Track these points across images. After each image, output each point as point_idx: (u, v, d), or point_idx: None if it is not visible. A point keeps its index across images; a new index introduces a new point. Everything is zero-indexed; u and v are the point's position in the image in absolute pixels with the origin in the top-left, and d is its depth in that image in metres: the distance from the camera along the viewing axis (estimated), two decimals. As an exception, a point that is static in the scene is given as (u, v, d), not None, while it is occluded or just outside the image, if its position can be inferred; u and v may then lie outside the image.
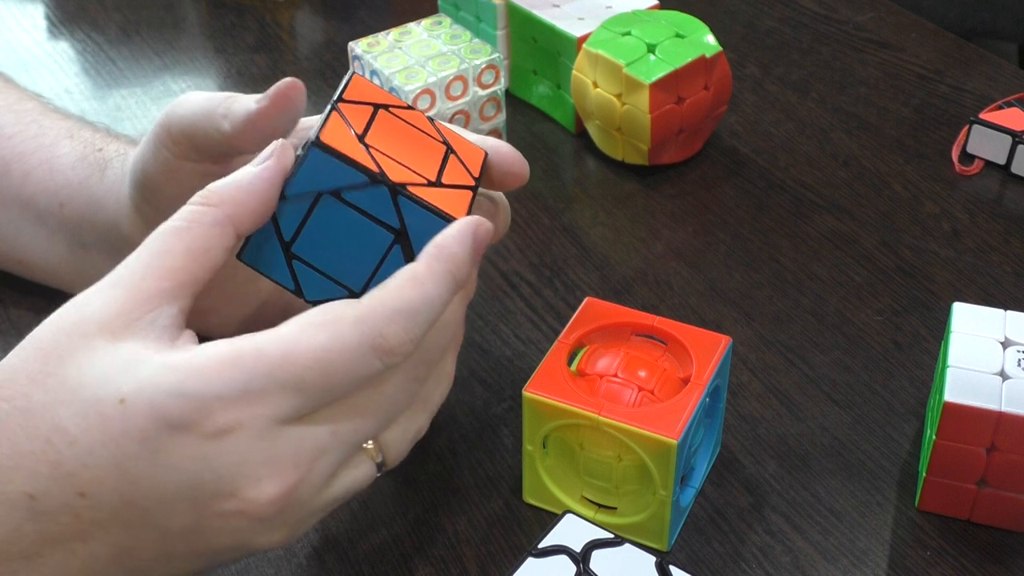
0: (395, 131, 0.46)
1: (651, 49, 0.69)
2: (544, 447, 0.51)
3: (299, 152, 0.43)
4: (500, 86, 0.72)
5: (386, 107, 0.46)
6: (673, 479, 0.47)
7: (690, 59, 0.68)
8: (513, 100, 0.79)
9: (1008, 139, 0.71)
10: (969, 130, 0.73)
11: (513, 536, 0.51)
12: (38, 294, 0.62)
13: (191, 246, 0.40)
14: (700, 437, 0.52)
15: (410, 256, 0.43)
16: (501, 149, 0.48)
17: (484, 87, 0.71)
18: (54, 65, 0.84)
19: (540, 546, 0.43)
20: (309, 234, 0.43)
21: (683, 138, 0.71)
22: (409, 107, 0.47)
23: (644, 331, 0.52)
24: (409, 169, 0.44)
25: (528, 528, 0.51)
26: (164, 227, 0.41)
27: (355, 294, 0.44)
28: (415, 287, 0.40)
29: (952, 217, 0.69)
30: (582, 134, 0.76)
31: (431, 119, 0.48)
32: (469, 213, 0.44)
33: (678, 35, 0.70)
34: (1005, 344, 0.51)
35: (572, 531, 0.43)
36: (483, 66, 0.70)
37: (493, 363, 0.59)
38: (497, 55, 0.71)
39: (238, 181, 0.41)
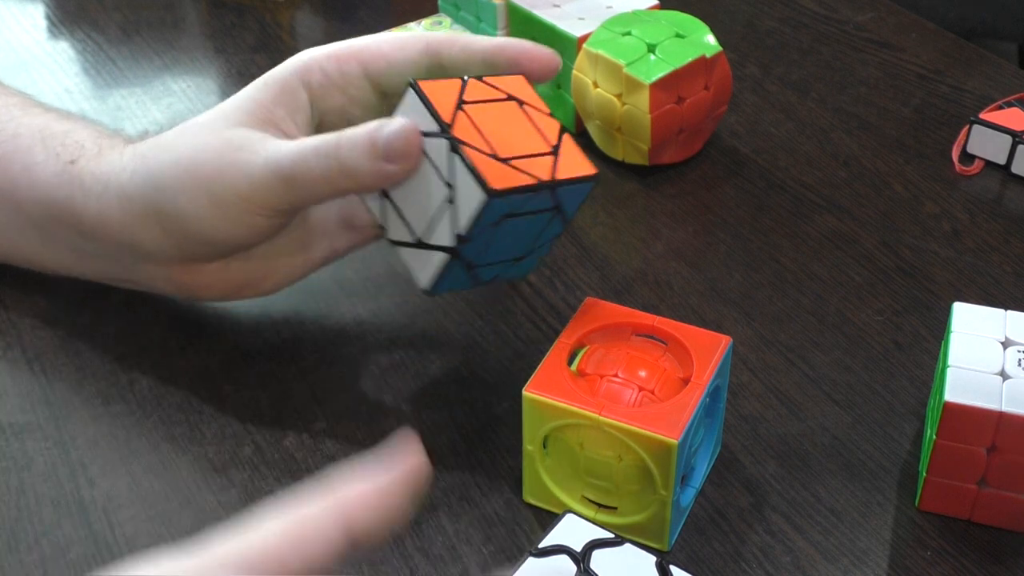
0: (491, 119, 0.51)
1: (651, 49, 0.69)
2: (544, 447, 0.51)
3: (449, 197, 0.48)
4: (500, 86, 0.72)
5: (462, 105, 0.50)
6: (673, 479, 0.47)
7: (690, 59, 0.68)
8: (513, 100, 0.79)
9: (1008, 139, 0.71)
10: (969, 130, 0.73)
11: (513, 536, 0.51)
12: (38, 293, 0.62)
13: (303, 559, 0.34)
14: (700, 437, 0.52)
15: (564, 218, 0.51)
16: (513, 49, 0.53)
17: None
18: (54, 65, 0.84)
19: (540, 546, 0.43)
20: (489, 248, 0.50)
21: (683, 138, 0.71)
22: (462, 80, 0.51)
23: (644, 331, 0.52)
24: (532, 155, 0.50)
25: (528, 528, 0.51)
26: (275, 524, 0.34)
27: (520, 259, 0.52)
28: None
29: (952, 217, 0.69)
30: (582, 134, 0.76)
31: (478, 78, 0.52)
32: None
33: (678, 35, 0.70)
34: (1005, 344, 0.51)
35: (572, 531, 0.43)
36: (483, 66, 0.70)
37: (493, 363, 0.59)
38: (497, 55, 0.71)
39: (365, 493, 0.35)
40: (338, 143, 0.49)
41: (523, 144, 0.50)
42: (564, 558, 0.42)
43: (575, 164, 0.51)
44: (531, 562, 0.42)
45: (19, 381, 0.58)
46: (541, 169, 0.49)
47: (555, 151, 0.51)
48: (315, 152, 0.49)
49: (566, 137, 0.51)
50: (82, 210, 0.55)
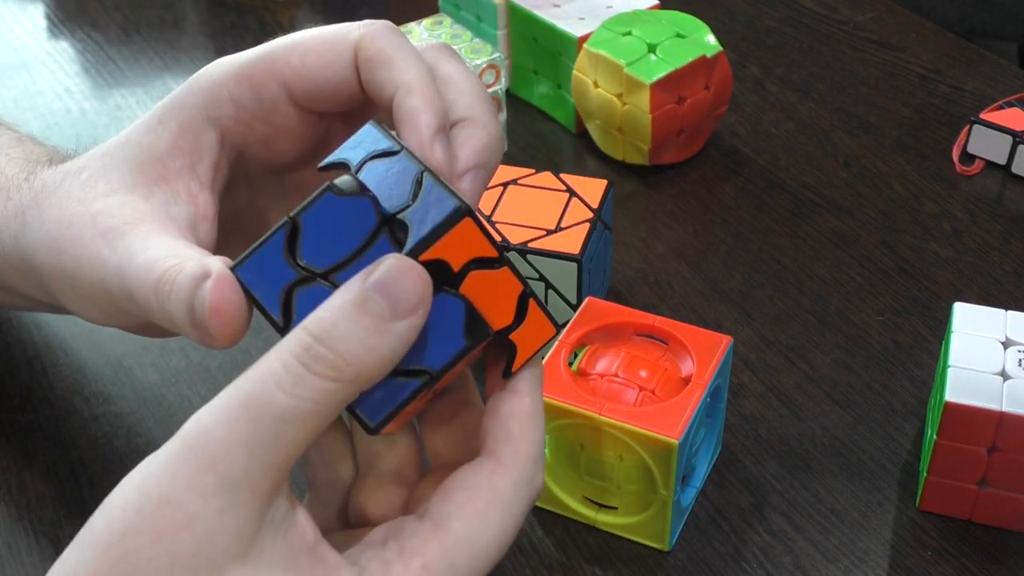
0: (520, 205, 0.57)
1: (652, 49, 0.69)
2: (544, 447, 0.51)
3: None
4: (501, 86, 0.72)
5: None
6: (674, 479, 0.47)
7: (691, 59, 0.68)
8: (514, 100, 0.79)
9: (1008, 139, 0.71)
10: (969, 130, 0.73)
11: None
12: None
13: (316, 433, 0.33)
14: (701, 437, 0.51)
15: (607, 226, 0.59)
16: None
17: (485, 87, 0.71)
18: (54, 65, 0.84)
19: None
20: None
21: (684, 138, 0.71)
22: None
23: (645, 331, 0.52)
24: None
25: (528, 528, 0.51)
26: (283, 408, 0.32)
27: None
28: (538, 426, 0.38)
29: (953, 217, 0.69)
30: (583, 134, 0.76)
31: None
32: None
33: (679, 35, 0.70)
34: (1006, 344, 0.51)
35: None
36: (484, 66, 0.70)
37: (494, 363, 0.59)
38: (498, 55, 0.71)
39: (378, 348, 0.33)
40: (158, 292, 0.38)
41: (551, 209, 0.57)
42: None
43: (587, 185, 0.58)
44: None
45: (19, 381, 0.58)
46: (591, 202, 0.58)
47: (570, 191, 0.58)
48: (154, 290, 0.38)
49: (562, 178, 0.60)
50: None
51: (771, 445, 0.55)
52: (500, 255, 0.35)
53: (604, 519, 0.51)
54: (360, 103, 0.42)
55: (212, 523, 0.32)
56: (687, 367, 0.50)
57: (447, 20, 0.74)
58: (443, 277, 0.35)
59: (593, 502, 0.51)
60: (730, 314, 0.62)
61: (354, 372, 0.33)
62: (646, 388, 0.49)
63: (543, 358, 0.39)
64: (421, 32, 0.73)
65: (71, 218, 0.42)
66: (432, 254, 0.34)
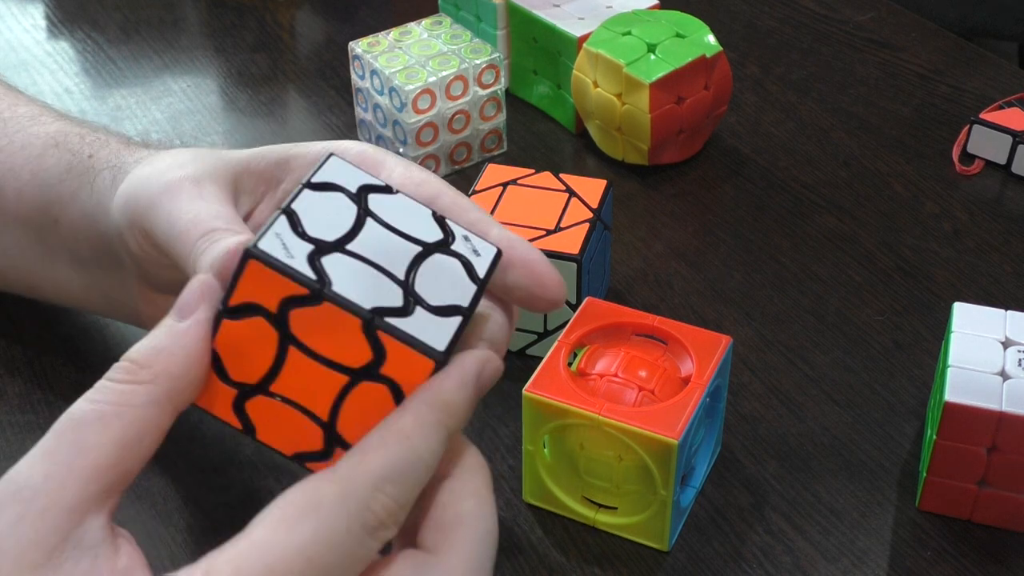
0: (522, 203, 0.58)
1: (651, 49, 0.69)
2: (544, 447, 0.51)
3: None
4: (500, 86, 0.72)
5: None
6: (674, 479, 0.47)
7: (690, 59, 0.68)
8: (513, 100, 0.79)
9: (1008, 139, 0.71)
10: (969, 130, 0.73)
11: (513, 536, 0.51)
12: (38, 294, 0.62)
13: (122, 437, 0.34)
14: (701, 437, 0.51)
15: (606, 226, 0.59)
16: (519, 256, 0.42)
17: (484, 87, 0.71)
18: (54, 65, 0.84)
19: (313, 180, 0.39)
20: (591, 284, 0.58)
21: (683, 138, 0.71)
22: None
23: (644, 331, 0.52)
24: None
25: (528, 528, 0.51)
26: (82, 413, 0.34)
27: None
28: (400, 444, 0.35)
29: (952, 217, 0.69)
30: (582, 134, 0.76)
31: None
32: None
33: (678, 35, 0.70)
34: (1006, 344, 0.51)
35: (341, 172, 0.40)
36: (483, 66, 0.70)
37: (493, 363, 0.59)
38: (497, 55, 0.71)
39: (169, 348, 0.35)
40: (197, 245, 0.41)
41: (551, 209, 0.58)
42: (340, 196, 0.39)
43: (587, 185, 0.60)
44: (307, 194, 0.38)
45: (19, 381, 0.58)
46: (590, 202, 0.58)
47: (569, 191, 0.59)
48: (196, 241, 0.42)
49: (562, 178, 0.60)
50: (86, 200, 0.51)
51: (771, 445, 0.55)
52: (314, 292, 0.35)
53: (604, 519, 0.51)
54: None
55: (4, 532, 0.32)
56: (687, 367, 0.50)
57: (447, 20, 0.74)
58: (272, 318, 0.36)
59: (593, 502, 0.51)
60: (730, 314, 0.62)
61: (149, 373, 0.35)
62: (646, 388, 0.49)
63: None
64: (421, 32, 0.73)
65: (155, 163, 0.46)
66: (237, 299, 0.36)
